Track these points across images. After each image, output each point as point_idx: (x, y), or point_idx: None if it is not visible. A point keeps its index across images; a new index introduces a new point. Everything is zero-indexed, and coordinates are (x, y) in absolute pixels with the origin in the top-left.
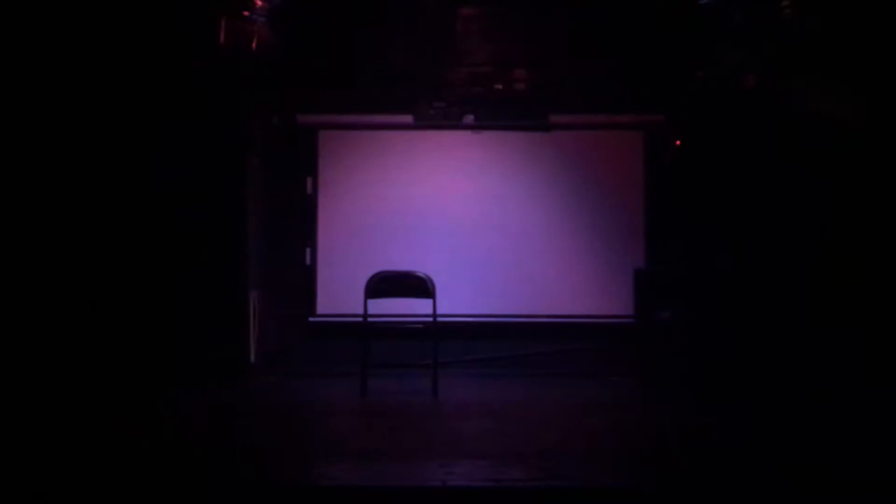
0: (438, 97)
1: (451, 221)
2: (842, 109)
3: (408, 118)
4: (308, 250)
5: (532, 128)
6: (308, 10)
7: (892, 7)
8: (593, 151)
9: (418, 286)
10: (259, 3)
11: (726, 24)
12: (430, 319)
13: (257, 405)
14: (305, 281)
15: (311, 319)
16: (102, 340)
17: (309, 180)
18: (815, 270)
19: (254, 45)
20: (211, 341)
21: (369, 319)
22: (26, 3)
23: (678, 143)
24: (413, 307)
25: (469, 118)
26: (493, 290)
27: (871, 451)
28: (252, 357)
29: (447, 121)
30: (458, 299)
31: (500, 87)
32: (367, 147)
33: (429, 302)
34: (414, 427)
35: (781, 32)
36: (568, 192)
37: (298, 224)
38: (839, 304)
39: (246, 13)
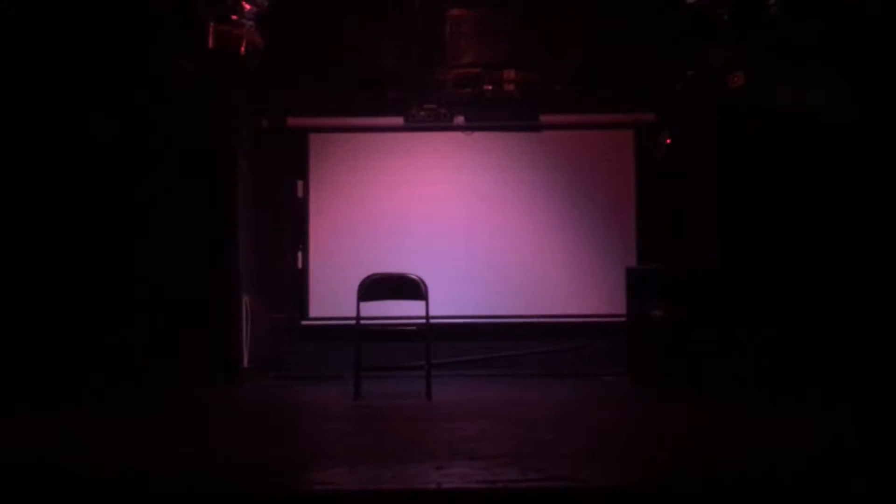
0: (429, 99)
1: (442, 223)
2: (829, 107)
3: (398, 120)
4: (300, 253)
5: (523, 128)
6: (297, 13)
7: (879, 6)
8: (584, 151)
9: (411, 288)
10: (247, 6)
11: (714, 23)
12: (423, 321)
13: (250, 409)
14: (298, 284)
15: (303, 323)
16: (94, 344)
17: (300, 183)
18: (807, 267)
19: (242, 48)
20: (204, 345)
21: (362, 322)
22: (21, 4)
23: (668, 141)
24: (406, 309)
25: (459, 119)
26: (486, 292)
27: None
28: (245, 361)
29: (438, 122)
30: (450, 301)
31: (490, 87)
32: (357, 149)
33: (421, 304)
34: (408, 429)
35: (769, 31)
36: (559, 192)
37: (290, 227)
38: (832, 300)
39: (234, 17)
